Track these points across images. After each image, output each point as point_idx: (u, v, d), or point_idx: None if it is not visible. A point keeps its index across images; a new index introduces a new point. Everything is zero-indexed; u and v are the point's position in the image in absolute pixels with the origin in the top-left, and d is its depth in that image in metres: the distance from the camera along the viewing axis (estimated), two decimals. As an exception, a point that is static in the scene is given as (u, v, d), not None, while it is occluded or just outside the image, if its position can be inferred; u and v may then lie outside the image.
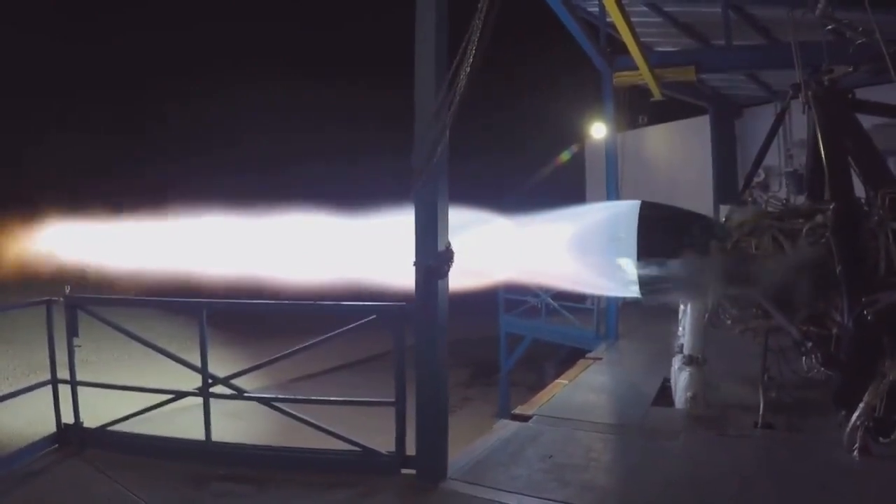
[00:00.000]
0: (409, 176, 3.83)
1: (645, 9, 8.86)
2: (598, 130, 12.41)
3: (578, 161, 16.11)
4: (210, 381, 4.24)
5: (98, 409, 4.57)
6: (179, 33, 20.69)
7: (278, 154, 21.12)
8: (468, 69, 3.57)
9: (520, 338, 11.42)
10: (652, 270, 4.72)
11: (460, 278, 4.05)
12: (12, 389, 4.39)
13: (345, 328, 4.11)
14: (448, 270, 3.83)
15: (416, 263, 3.84)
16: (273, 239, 5.67)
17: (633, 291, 4.90)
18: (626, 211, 4.94)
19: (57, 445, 4.39)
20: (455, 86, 3.64)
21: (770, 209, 4.93)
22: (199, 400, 4.23)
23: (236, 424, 5.77)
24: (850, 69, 4.83)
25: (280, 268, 5.53)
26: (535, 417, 5.13)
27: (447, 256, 3.82)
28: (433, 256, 3.80)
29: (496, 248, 5.25)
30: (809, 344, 4.54)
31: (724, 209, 5.21)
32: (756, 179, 5.86)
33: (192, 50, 20.80)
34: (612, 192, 8.52)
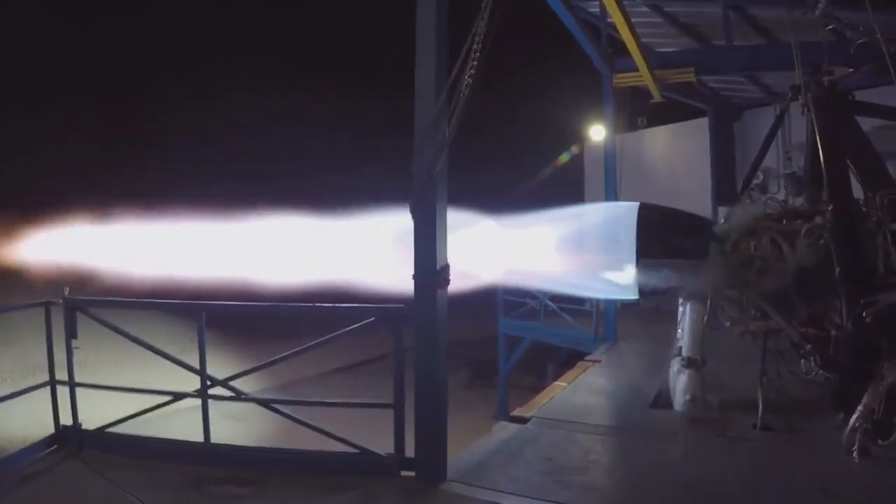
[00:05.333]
0: (407, 177, 3.79)
1: (646, 9, 8.87)
2: (597, 132, 12.43)
3: (577, 163, 16.13)
4: (209, 382, 4.24)
5: (97, 411, 4.56)
6: (180, 34, 20.70)
7: (277, 157, 21.13)
8: (471, 74, 3.45)
9: (519, 340, 11.42)
10: (651, 272, 4.73)
11: (458, 281, 4.02)
12: (11, 391, 4.37)
13: (344, 330, 4.09)
14: (447, 285, 3.80)
15: (415, 276, 3.80)
16: (271, 242, 5.68)
17: (632, 293, 4.91)
18: (625, 212, 4.95)
19: (55, 447, 4.37)
20: (457, 94, 3.52)
21: (769, 211, 4.93)
22: (199, 402, 4.22)
23: (235, 426, 5.78)
24: (851, 70, 4.83)
25: (278, 271, 5.53)
26: (533, 419, 5.12)
27: (445, 273, 3.79)
28: (432, 270, 3.76)
29: (494, 250, 5.25)
30: (808, 346, 4.54)
31: (723, 211, 5.21)
32: (755, 181, 5.87)
33: (192, 54, 20.81)
34: (611, 193, 8.53)
